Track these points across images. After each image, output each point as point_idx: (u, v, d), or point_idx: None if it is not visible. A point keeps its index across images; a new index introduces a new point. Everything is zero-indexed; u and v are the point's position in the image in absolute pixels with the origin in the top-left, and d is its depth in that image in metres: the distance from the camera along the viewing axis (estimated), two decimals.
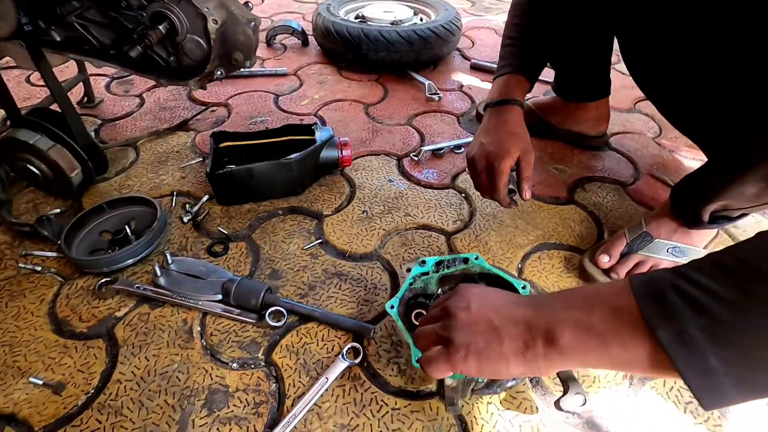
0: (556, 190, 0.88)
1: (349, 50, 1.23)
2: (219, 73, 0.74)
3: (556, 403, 0.49)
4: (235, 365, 0.58)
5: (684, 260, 0.66)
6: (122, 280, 0.66)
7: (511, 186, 0.70)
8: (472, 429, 0.52)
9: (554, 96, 1.00)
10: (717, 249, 0.78)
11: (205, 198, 0.82)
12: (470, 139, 0.99)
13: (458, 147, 0.97)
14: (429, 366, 0.43)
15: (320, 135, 0.85)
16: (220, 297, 0.63)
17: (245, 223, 0.78)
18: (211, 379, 0.56)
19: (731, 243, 0.78)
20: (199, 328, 0.62)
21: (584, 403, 0.48)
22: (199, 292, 0.64)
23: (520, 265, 0.72)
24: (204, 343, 0.60)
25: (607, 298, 0.37)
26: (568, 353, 0.37)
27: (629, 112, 1.15)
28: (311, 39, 1.42)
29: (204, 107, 1.08)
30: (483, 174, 0.69)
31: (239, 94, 1.15)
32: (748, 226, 0.81)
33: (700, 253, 0.68)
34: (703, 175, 0.63)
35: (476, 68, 1.32)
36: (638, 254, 0.67)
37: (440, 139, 1.00)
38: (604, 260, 0.67)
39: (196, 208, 0.80)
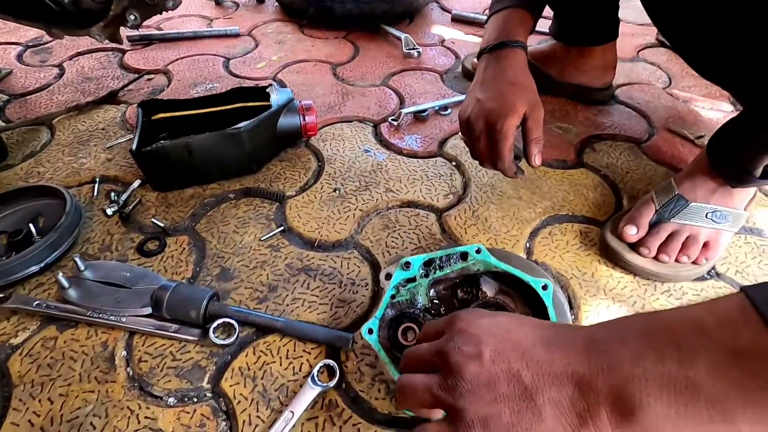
0: (563, 152, 0.75)
1: (310, 3, 1.05)
2: (132, 17, 0.57)
3: None
4: (171, 400, 0.44)
5: (725, 226, 0.54)
6: (17, 296, 0.51)
7: (515, 151, 0.56)
8: None
9: (552, 43, 0.85)
10: (759, 211, 0.68)
11: (137, 184, 0.66)
12: (458, 98, 0.85)
13: (444, 108, 0.82)
14: None
15: (277, 99, 0.69)
16: (149, 310, 0.48)
17: (187, 211, 0.63)
18: (138, 422, 0.42)
19: None
20: (123, 353, 0.47)
21: None
22: (122, 305, 0.49)
23: (528, 244, 0.59)
24: (130, 373, 0.46)
25: (712, 331, 0.23)
26: (654, 428, 0.24)
27: (632, 61, 1.01)
28: None
29: (138, 75, 0.90)
30: (482, 138, 0.55)
31: (181, 58, 0.97)
32: None
33: (742, 216, 0.56)
34: (754, 120, 0.50)
35: (458, 20, 1.16)
36: (672, 222, 0.54)
37: (422, 100, 0.85)
38: (631, 232, 0.54)
39: (124, 197, 0.63)
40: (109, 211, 0.61)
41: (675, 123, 0.81)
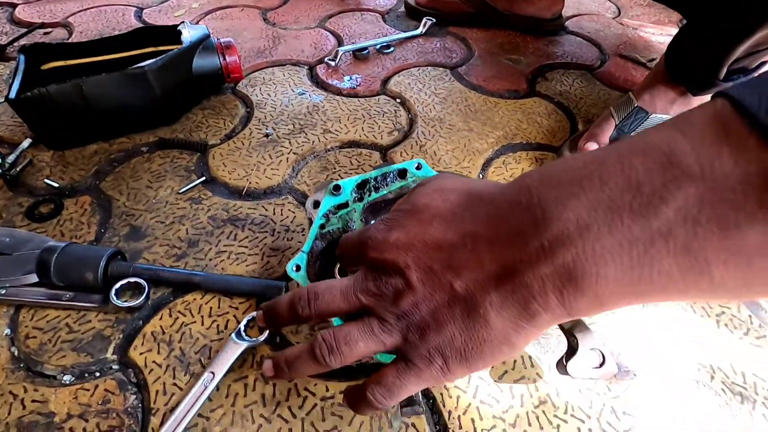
0: (514, 83, 0.69)
1: None
2: None
3: (560, 367, 0.32)
4: (67, 378, 0.36)
5: None
6: None
7: None
8: (444, 405, 0.35)
9: None
10: None
11: (27, 143, 0.55)
12: (400, 35, 0.78)
13: (387, 46, 0.75)
14: (385, 394, 0.25)
15: (189, 36, 0.60)
16: (34, 278, 0.40)
17: (90, 169, 0.53)
18: (24, 407, 0.34)
19: None
20: (5, 331, 0.39)
21: (603, 363, 0.31)
22: (0, 274, 0.40)
23: (481, 175, 0.54)
24: (15, 353, 0.38)
25: (683, 158, 0.18)
26: (607, 297, 0.20)
27: None
28: None
29: (30, 28, 0.77)
30: None
31: (85, 10, 0.84)
32: None
33: None
34: (717, 17, 0.46)
35: None
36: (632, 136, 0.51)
37: (362, 40, 0.77)
38: (592, 148, 0.50)
39: (11, 158, 0.53)
40: None
41: (626, 49, 0.78)
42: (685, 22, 0.74)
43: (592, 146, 0.50)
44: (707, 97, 0.53)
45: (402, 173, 0.36)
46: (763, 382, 0.37)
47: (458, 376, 0.25)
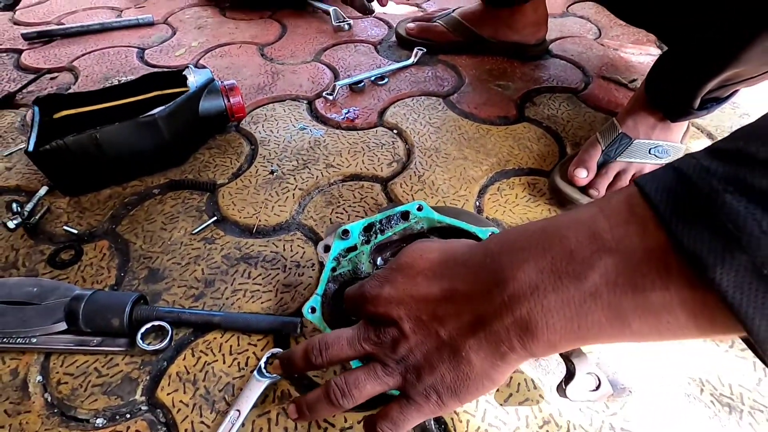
0: (503, 108, 0.73)
1: None
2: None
3: (560, 390, 0.35)
4: (100, 421, 0.39)
5: (667, 160, 0.55)
6: None
7: None
8: (455, 429, 0.38)
9: (482, 5, 0.84)
10: (692, 143, 0.70)
11: (44, 191, 0.58)
12: (394, 66, 0.81)
13: (381, 77, 0.79)
14: (391, 426, 0.30)
15: (195, 81, 0.63)
16: (63, 325, 0.42)
17: (105, 214, 0.56)
18: None
19: (703, 135, 0.68)
20: (38, 378, 0.41)
21: (598, 386, 0.34)
22: (30, 324, 0.42)
23: (477, 203, 0.58)
24: (48, 399, 0.40)
25: (603, 234, 0.23)
26: (558, 341, 0.24)
27: (563, 17, 1.02)
28: None
29: (38, 74, 0.80)
30: None
31: (88, 53, 0.87)
32: (713, 114, 0.71)
33: (681, 149, 0.57)
34: (694, 52, 0.50)
35: None
36: (618, 161, 0.54)
37: (357, 72, 0.81)
38: (582, 175, 0.54)
39: (29, 207, 0.56)
40: (11, 225, 0.53)
41: (608, 70, 0.82)
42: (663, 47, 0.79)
43: (581, 173, 0.54)
44: (685, 124, 0.57)
45: (405, 215, 0.39)
46: (749, 392, 0.40)
47: (451, 408, 0.29)
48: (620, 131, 0.55)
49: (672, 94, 0.52)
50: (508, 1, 0.80)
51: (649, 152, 0.54)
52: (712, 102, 0.51)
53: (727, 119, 0.70)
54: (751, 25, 0.40)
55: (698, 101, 0.50)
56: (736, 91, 0.51)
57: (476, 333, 0.27)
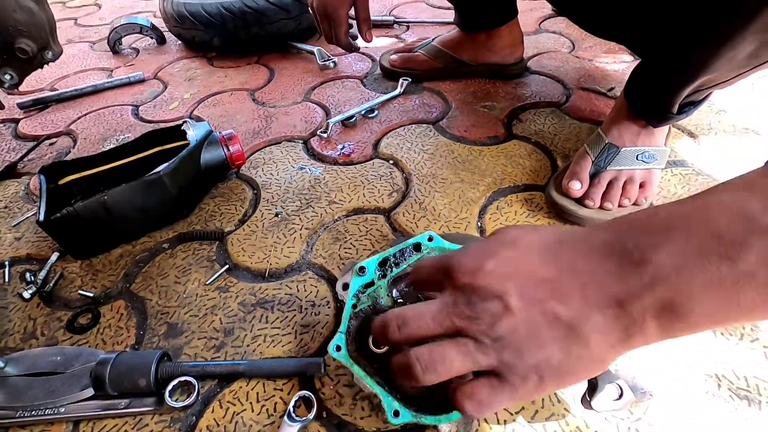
0: (492, 128, 0.76)
1: (213, 34, 1.02)
2: (8, 77, 0.51)
3: (585, 402, 0.36)
4: None
5: (654, 164, 0.57)
6: None
7: (353, 31, 0.77)
8: None
9: (459, 31, 0.88)
10: (675, 143, 0.72)
11: (55, 257, 0.59)
12: (382, 98, 0.85)
13: (371, 110, 0.82)
14: (478, 408, 0.28)
15: (194, 134, 0.66)
16: (91, 391, 0.43)
17: (118, 274, 0.57)
18: None
19: (684, 134, 0.71)
20: None
21: (621, 395, 0.35)
22: (57, 394, 0.43)
23: (479, 223, 0.59)
24: None
25: (757, 215, 0.23)
26: (702, 323, 0.24)
27: (536, 33, 1.07)
28: (168, 36, 1.18)
29: (37, 141, 0.82)
30: (324, 23, 0.74)
31: (84, 115, 0.90)
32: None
33: (665, 152, 0.59)
34: (666, 63, 0.53)
35: None
36: (608, 171, 0.57)
37: (348, 107, 0.84)
38: (576, 187, 0.56)
39: (42, 275, 0.57)
40: (26, 294, 0.54)
41: (586, 81, 0.86)
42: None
43: (575, 185, 0.56)
44: (665, 128, 0.60)
45: (417, 247, 0.41)
46: (764, 383, 0.41)
47: (548, 392, 0.28)
48: (607, 141, 0.58)
49: (651, 103, 0.55)
50: (483, 25, 0.84)
51: (637, 158, 0.56)
52: (689, 106, 0.54)
53: (704, 117, 0.74)
54: (714, 37, 0.43)
55: (676, 107, 0.53)
56: (711, 93, 0.54)
57: (605, 312, 0.25)
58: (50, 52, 0.51)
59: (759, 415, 0.39)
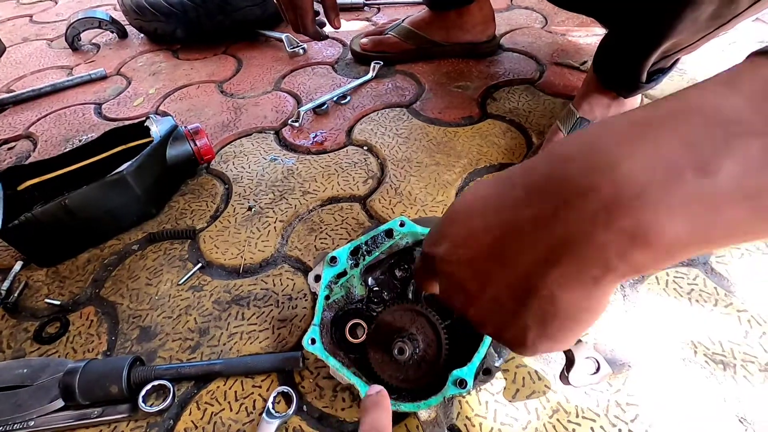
0: (466, 109, 0.75)
1: (175, 24, 0.98)
2: None
3: (563, 378, 0.36)
4: None
5: None
6: None
7: (320, 18, 0.74)
8: None
9: (429, 11, 0.86)
10: None
11: (18, 266, 0.57)
12: (354, 83, 0.82)
13: (343, 96, 0.80)
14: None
15: (158, 130, 0.63)
16: (60, 403, 0.41)
17: (87, 279, 0.55)
18: None
19: None
20: None
21: (598, 369, 0.35)
22: (25, 408, 0.41)
23: None
24: None
25: (743, 117, 0.18)
26: (678, 249, 0.19)
27: (508, 10, 1.05)
28: (130, 30, 1.13)
29: None
30: (289, 11, 0.69)
31: (44, 117, 0.86)
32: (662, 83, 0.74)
33: None
34: (631, 31, 0.52)
35: None
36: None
37: (319, 95, 0.82)
38: None
39: (5, 286, 0.54)
40: None
41: (559, 56, 0.85)
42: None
43: None
44: (637, 98, 0.60)
45: (389, 233, 0.40)
46: (738, 346, 0.42)
47: (552, 351, 0.25)
48: (578, 116, 0.57)
49: (619, 73, 0.55)
50: (452, 3, 0.82)
51: None
52: (658, 73, 0.54)
53: (675, 86, 0.74)
54: (676, 0, 0.42)
55: (645, 75, 0.53)
56: (678, 59, 0.54)
57: (559, 263, 0.21)
58: None
59: (734, 378, 0.39)
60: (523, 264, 0.22)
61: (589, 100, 0.58)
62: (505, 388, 0.40)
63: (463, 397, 0.40)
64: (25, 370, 0.44)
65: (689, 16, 0.43)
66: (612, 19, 0.57)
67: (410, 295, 0.41)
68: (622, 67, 0.54)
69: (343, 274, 0.39)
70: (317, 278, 0.39)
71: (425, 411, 0.34)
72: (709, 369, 0.40)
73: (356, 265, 0.40)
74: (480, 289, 0.24)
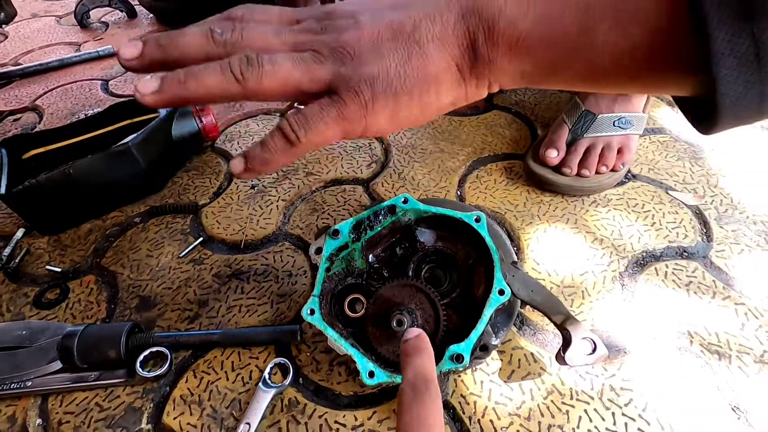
0: None
1: (185, 5, 0.98)
2: None
3: (559, 358, 0.37)
4: None
5: (631, 129, 0.57)
6: None
7: None
8: (464, 412, 0.38)
9: None
10: (655, 111, 0.72)
11: (20, 233, 0.57)
12: None
13: None
14: (304, 123, 0.25)
15: None
16: (58, 364, 0.41)
17: (88, 248, 0.55)
18: None
19: (663, 103, 0.71)
20: (38, 421, 0.40)
21: (594, 349, 0.35)
22: (24, 368, 0.42)
23: (459, 192, 0.59)
24: None
25: None
26: (531, 47, 0.23)
27: None
28: (139, 9, 1.13)
29: None
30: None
31: (50, 90, 0.86)
32: None
33: (643, 118, 0.59)
34: None
35: None
36: (586, 138, 0.56)
37: None
38: (552, 155, 0.55)
39: (7, 251, 0.55)
40: None
41: None
42: None
43: (552, 153, 0.55)
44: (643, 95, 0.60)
45: (391, 209, 0.40)
46: (734, 338, 0.42)
47: (379, 115, 0.25)
48: (584, 109, 0.57)
49: None
50: None
51: (614, 124, 0.56)
52: None
53: None
54: None
55: None
56: None
57: (446, 20, 0.24)
58: (2, 14, 0.48)
59: (729, 369, 0.40)
60: (414, 14, 0.25)
61: (595, 93, 0.58)
62: (500, 369, 0.41)
63: (458, 374, 0.40)
64: (24, 332, 0.44)
65: None
66: None
67: (410, 273, 0.41)
68: None
69: (345, 247, 0.40)
70: (318, 251, 0.40)
71: None
72: (704, 358, 0.41)
73: (358, 239, 0.40)
74: (363, 25, 0.25)
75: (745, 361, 0.40)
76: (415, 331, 0.30)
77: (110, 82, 0.88)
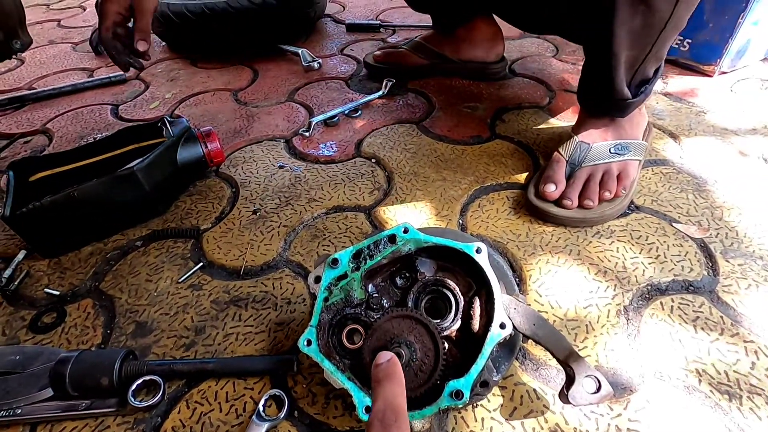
0: (475, 128, 0.76)
1: (196, 35, 1.01)
2: None
3: (562, 396, 0.35)
4: None
5: (629, 155, 0.57)
6: None
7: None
8: None
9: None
10: (658, 144, 0.73)
11: (22, 255, 0.57)
12: (366, 98, 0.84)
13: (354, 110, 0.81)
14: None
15: (171, 131, 0.64)
16: (49, 392, 0.41)
17: (88, 272, 0.55)
18: None
19: (665, 135, 0.72)
20: None
21: (599, 388, 0.34)
22: (14, 394, 0.41)
23: (460, 221, 0.59)
24: None
25: None
26: None
27: (521, 38, 1.08)
28: (152, 37, 1.16)
29: (10, 140, 0.80)
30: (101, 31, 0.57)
31: (61, 114, 0.88)
32: (667, 112, 0.75)
33: (641, 145, 0.59)
34: (593, 54, 0.55)
35: (353, 29, 1.18)
36: (584, 168, 0.56)
37: (331, 107, 0.83)
38: (550, 190, 0.56)
39: (7, 273, 0.54)
40: None
41: (569, 84, 0.86)
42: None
43: (550, 187, 0.56)
44: (638, 121, 0.61)
45: (392, 238, 0.40)
46: (744, 377, 0.40)
47: None
48: (578, 140, 0.58)
49: (602, 97, 0.56)
50: (456, 21, 0.85)
51: (610, 151, 0.56)
52: (645, 84, 0.55)
53: (685, 118, 0.74)
54: (600, 16, 0.47)
55: (628, 90, 0.54)
56: (659, 68, 0.56)
57: None
58: (18, 42, 0.50)
59: (740, 410, 0.38)
60: None
61: (585, 126, 0.60)
62: (502, 406, 0.39)
63: (459, 411, 0.39)
64: (17, 357, 0.43)
65: (622, 30, 0.47)
66: (572, 37, 0.65)
67: (410, 304, 0.40)
68: (602, 91, 0.56)
69: (344, 277, 0.39)
70: (317, 280, 0.39)
71: (419, 421, 0.33)
72: (714, 398, 0.39)
73: (357, 268, 0.39)
74: None
75: (756, 403, 0.39)
76: (386, 355, 0.29)
77: (120, 107, 0.90)
